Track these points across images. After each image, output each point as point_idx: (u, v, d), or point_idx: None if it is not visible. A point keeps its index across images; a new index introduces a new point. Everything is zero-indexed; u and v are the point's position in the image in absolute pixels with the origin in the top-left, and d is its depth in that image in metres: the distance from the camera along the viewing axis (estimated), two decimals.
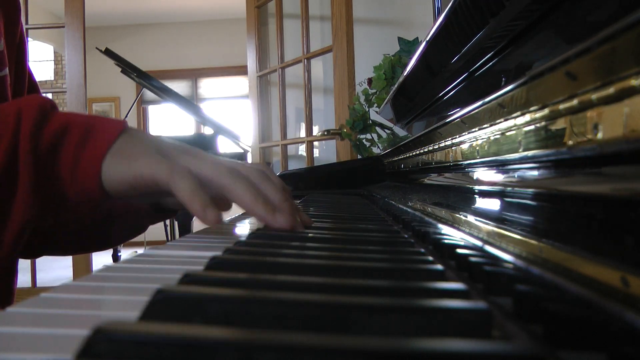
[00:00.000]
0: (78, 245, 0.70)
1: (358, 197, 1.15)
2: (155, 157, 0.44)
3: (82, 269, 2.72)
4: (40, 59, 5.78)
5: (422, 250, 0.35)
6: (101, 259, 3.30)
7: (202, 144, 3.21)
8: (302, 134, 2.80)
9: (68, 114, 0.46)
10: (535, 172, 0.33)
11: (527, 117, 0.31)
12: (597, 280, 0.18)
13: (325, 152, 2.99)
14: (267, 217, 0.44)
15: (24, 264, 2.93)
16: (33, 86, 0.75)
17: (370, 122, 1.80)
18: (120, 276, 0.31)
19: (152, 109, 6.35)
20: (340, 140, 2.16)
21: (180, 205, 0.46)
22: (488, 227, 0.32)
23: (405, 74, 0.84)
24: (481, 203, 0.43)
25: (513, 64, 0.45)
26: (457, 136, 0.52)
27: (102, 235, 0.67)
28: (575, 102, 0.24)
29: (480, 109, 0.42)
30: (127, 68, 2.98)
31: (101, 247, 0.71)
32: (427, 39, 0.65)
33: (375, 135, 1.82)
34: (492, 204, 0.40)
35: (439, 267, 0.27)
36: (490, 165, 0.42)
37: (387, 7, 2.36)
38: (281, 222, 0.44)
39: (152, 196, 0.47)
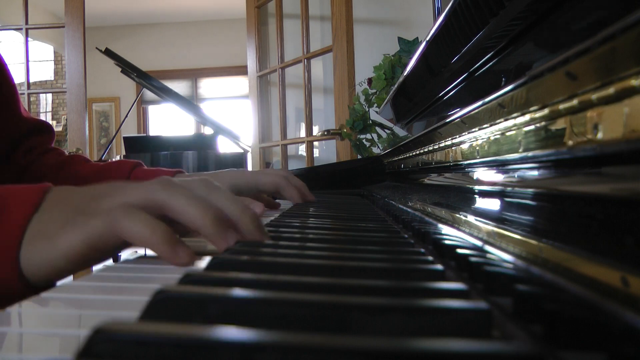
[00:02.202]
0: None
1: (358, 197, 1.15)
2: (81, 216, 0.35)
3: None
4: (40, 59, 5.78)
5: (422, 250, 0.35)
6: None
7: (202, 144, 3.21)
8: (302, 134, 2.80)
9: None
10: (535, 172, 0.33)
11: (527, 117, 0.31)
12: (597, 280, 0.18)
13: (325, 152, 2.99)
14: (217, 239, 0.36)
15: None
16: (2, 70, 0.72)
17: (370, 122, 1.80)
18: (120, 276, 0.31)
19: (152, 109, 6.35)
20: (340, 140, 2.16)
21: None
22: (488, 227, 0.32)
23: (405, 74, 0.84)
24: (481, 203, 0.43)
25: (513, 64, 0.45)
26: (457, 136, 0.52)
27: None
28: (575, 102, 0.24)
29: (480, 109, 0.42)
30: (127, 68, 2.98)
31: None
32: (427, 39, 0.65)
33: (375, 135, 1.82)
34: (492, 204, 0.40)
35: (439, 267, 0.27)
36: (490, 165, 0.42)
37: (387, 7, 2.36)
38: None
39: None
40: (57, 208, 0.37)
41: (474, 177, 0.48)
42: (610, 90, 0.21)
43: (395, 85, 0.95)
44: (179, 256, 0.33)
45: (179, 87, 5.96)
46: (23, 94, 2.74)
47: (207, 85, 6.27)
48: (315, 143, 2.84)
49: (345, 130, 1.96)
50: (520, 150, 0.33)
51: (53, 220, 0.36)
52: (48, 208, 0.37)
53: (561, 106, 0.26)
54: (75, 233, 0.34)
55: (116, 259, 2.91)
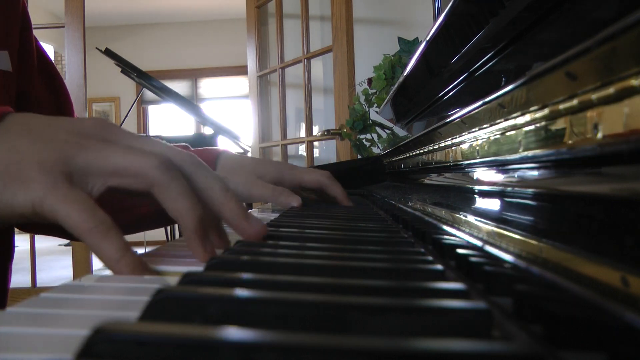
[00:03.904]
0: None
1: (358, 197, 1.15)
2: (45, 175, 0.31)
3: (82, 269, 2.72)
4: None
5: (422, 250, 0.35)
6: None
7: (202, 144, 3.21)
8: (302, 134, 2.80)
9: None
10: (535, 172, 0.33)
11: (527, 117, 0.31)
12: (597, 280, 0.18)
13: (325, 152, 2.99)
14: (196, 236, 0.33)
15: (23, 264, 2.92)
16: (46, 64, 0.73)
17: (370, 122, 1.80)
18: (120, 276, 0.30)
19: (152, 109, 6.35)
20: (340, 140, 2.16)
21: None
22: (488, 227, 0.32)
23: (405, 74, 0.84)
24: (481, 203, 0.43)
25: (513, 64, 0.45)
26: (457, 136, 0.52)
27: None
28: (575, 102, 0.24)
29: (480, 109, 0.42)
30: (127, 68, 2.98)
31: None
32: (427, 39, 0.65)
33: (375, 135, 1.82)
34: (492, 204, 0.40)
35: (439, 267, 0.27)
36: (490, 165, 0.42)
37: (387, 7, 2.36)
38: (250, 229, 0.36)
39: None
40: (26, 138, 0.33)
41: (474, 177, 0.48)
42: (610, 90, 0.21)
43: (395, 85, 0.95)
44: (121, 268, 0.30)
45: (179, 87, 5.96)
46: None
47: (207, 85, 6.27)
48: (315, 143, 2.84)
49: (345, 130, 1.96)
50: (520, 150, 0.33)
51: (22, 153, 0.32)
52: (13, 134, 0.33)
53: (561, 106, 0.26)
54: (31, 188, 0.31)
55: None
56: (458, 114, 0.49)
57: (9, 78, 0.63)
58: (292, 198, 0.67)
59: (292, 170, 0.74)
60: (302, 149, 3.02)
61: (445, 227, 0.40)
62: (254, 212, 0.79)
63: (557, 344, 0.18)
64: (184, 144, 0.78)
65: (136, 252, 0.31)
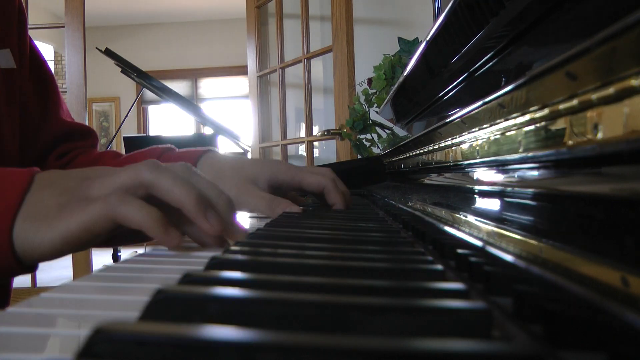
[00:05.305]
0: None
1: (358, 197, 1.15)
2: (76, 201, 0.37)
3: (82, 269, 2.72)
4: None
5: (422, 250, 0.35)
6: (101, 259, 3.31)
7: (202, 144, 3.21)
8: (302, 134, 2.80)
9: None
10: (535, 172, 0.33)
11: (527, 117, 0.31)
12: (597, 280, 0.18)
13: (325, 152, 2.99)
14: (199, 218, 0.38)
15: None
16: (40, 63, 0.73)
17: (370, 122, 1.80)
18: (120, 276, 0.31)
19: (152, 109, 6.35)
20: (340, 140, 2.16)
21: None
22: (488, 227, 0.32)
23: (405, 74, 0.84)
24: (481, 203, 0.43)
25: (513, 64, 0.45)
26: (457, 136, 0.52)
27: None
28: (575, 102, 0.24)
29: (480, 109, 0.42)
30: (127, 68, 2.98)
31: None
32: (427, 39, 0.65)
33: (375, 135, 1.82)
34: (492, 204, 0.40)
35: (439, 267, 0.27)
36: (490, 165, 0.42)
37: (387, 7, 2.36)
38: (213, 224, 0.39)
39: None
40: (48, 190, 0.39)
41: (474, 177, 0.48)
42: (610, 90, 0.21)
43: (395, 85, 0.95)
44: (171, 237, 0.37)
45: (179, 87, 5.96)
46: None
47: (207, 85, 6.27)
48: (315, 143, 2.84)
49: (345, 130, 1.96)
50: (520, 150, 0.33)
51: (45, 202, 0.38)
52: (37, 190, 0.39)
53: (561, 106, 0.26)
54: (73, 217, 0.37)
55: (116, 259, 2.91)
56: (458, 114, 0.49)
57: (13, 75, 0.63)
58: (291, 210, 0.61)
59: (290, 171, 0.66)
60: (302, 149, 3.02)
61: (445, 227, 0.40)
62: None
63: (557, 344, 0.18)
64: (169, 145, 0.76)
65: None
